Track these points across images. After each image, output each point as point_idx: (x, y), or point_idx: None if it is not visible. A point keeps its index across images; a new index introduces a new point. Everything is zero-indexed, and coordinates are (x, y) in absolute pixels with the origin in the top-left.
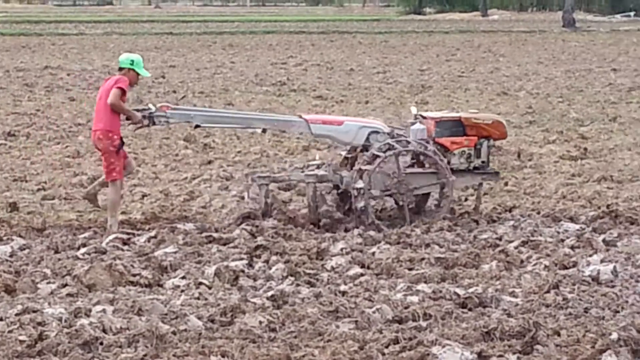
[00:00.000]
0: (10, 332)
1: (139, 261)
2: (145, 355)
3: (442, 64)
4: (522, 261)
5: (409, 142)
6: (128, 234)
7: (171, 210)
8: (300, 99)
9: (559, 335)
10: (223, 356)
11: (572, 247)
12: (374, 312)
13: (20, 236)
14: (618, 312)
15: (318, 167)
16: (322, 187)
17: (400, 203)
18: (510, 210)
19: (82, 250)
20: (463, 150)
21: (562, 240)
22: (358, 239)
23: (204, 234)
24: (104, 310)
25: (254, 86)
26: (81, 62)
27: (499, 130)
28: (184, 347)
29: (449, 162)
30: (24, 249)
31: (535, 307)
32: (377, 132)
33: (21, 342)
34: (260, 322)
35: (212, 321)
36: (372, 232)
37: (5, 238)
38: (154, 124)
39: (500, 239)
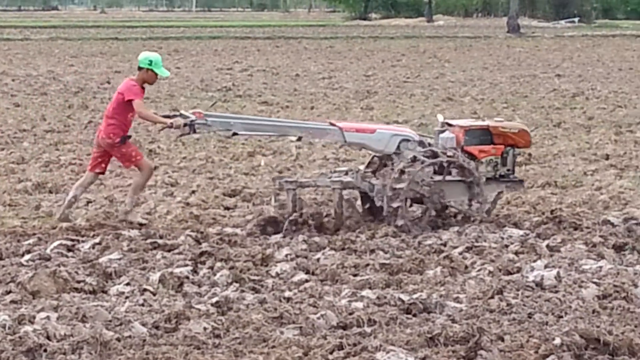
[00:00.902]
0: None
1: (83, 268)
2: None
3: (387, 69)
4: (466, 267)
5: (451, 153)
6: (72, 240)
7: (116, 216)
8: (245, 105)
9: (502, 340)
10: None
11: (516, 253)
12: (318, 318)
13: None
14: (561, 317)
15: (345, 173)
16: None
17: (430, 210)
18: (455, 216)
19: (26, 257)
20: (490, 159)
21: (506, 246)
22: (303, 245)
23: (148, 241)
24: (48, 317)
25: (199, 92)
26: (26, 68)
27: (524, 139)
28: (128, 354)
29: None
30: None
31: (479, 313)
32: (407, 140)
33: None
34: (205, 329)
35: (157, 327)
36: (316, 239)
37: None
38: (194, 131)
39: (444, 244)
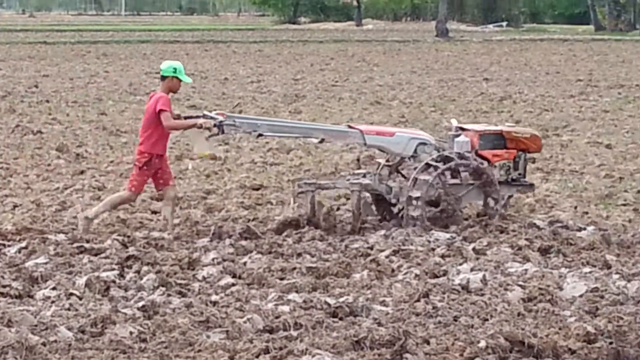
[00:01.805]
0: None
1: (9, 272)
2: None
3: (316, 73)
4: (393, 270)
5: (465, 156)
6: None
7: (42, 220)
8: (174, 108)
9: (428, 343)
10: None
11: (443, 256)
12: (244, 322)
13: None
14: (487, 320)
15: (364, 175)
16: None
17: (446, 213)
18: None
19: None
20: (503, 163)
21: (433, 249)
22: (230, 249)
23: (75, 245)
24: None
25: (127, 95)
26: None
27: (536, 144)
28: (54, 359)
29: None
30: None
31: (405, 316)
32: (424, 144)
33: None
34: (131, 333)
35: (83, 332)
36: (244, 242)
37: None
38: (223, 132)
39: (371, 248)
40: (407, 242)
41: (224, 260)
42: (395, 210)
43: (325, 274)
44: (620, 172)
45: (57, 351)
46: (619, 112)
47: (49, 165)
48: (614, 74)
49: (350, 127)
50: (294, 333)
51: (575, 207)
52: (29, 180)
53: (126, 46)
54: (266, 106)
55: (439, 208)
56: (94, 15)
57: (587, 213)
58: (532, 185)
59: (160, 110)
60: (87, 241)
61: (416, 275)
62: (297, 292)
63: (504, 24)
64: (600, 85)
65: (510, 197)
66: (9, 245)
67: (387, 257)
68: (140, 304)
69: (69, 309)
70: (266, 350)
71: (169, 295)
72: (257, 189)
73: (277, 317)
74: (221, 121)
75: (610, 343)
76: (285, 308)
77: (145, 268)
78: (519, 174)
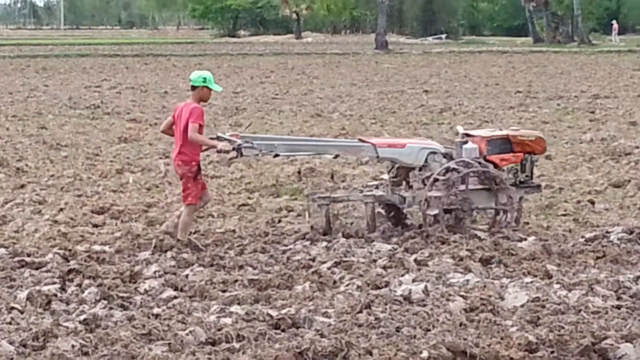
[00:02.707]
0: None
1: None
2: None
3: (256, 86)
4: (335, 282)
5: (480, 163)
6: None
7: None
8: (114, 122)
9: (370, 354)
10: None
11: (385, 267)
12: (187, 335)
13: None
14: (429, 330)
15: (376, 187)
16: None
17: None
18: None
19: None
20: (511, 167)
21: (375, 261)
22: (171, 262)
23: (16, 259)
24: None
25: (67, 109)
26: None
27: (541, 146)
28: None
29: None
30: None
31: (347, 327)
32: (434, 153)
33: None
34: (73, 346)
35: (24, 346)
36: (185, 255)
37: None
38: (242, 155)
39: (313, 260)
40: (349, 254)
41: (166, 273)
42: (403, 217)
43: (268, 286)
44: (560, 183)
45: None
46: (558, 123)
47: None
48: (553, 86)
49: (362, 141)
50: (237, 345)
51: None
52: None
53: (65, 60)
54: (206, 119)
55: (453, 214)
56: (32, 29)
57: (527, 223)
58: (539, 186)
59: (191, 121)
60: (29, 255)
61: (358, 286)
62: (239, 304)
63: (443, 36)
64: (539, 96)
65: (521, 199)
66: None
67: (329, 268)
68: (82, 317)
69: (10, 323)
70: None
71: (110, 308)
72: None
73: (219, 330)
74: (240, 144)
75: (552, 352)
76: (228, 320)
77: (86, 281)
78: (527, 176)
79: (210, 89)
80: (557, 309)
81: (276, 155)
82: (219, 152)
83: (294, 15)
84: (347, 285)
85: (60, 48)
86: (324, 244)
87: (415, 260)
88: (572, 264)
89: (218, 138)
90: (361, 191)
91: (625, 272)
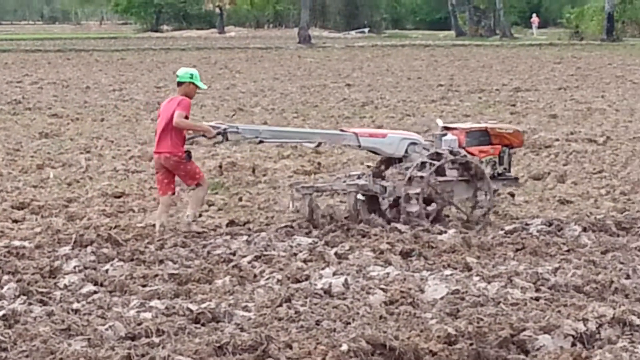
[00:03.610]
0: None
1: None
2: None
3: None
4: (255, 276)
5: (459, 153)
6: None
7: None
8: (35, 117)
9: (290, 348)
10: None
11: (305, 261)
12: (106, 330)
13: None
14: (349, 323)
15: (359, 177)
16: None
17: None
18: (245, 224)
19: None
20: (490, 159)
21: (295, 254)
22: (91, 257)
23: None
24: None
25: None
26: None
27: (518, 139)
28: None
29: None
30: None
31: (267, 321)
32: (415, 144)
33: None
34: None
35: None
36: (105, 250)
37: None
38: (227, 139)
39: (233, 254)
40: (269, 248)
41: (86, 268)
42: (384, 207)
43: (188, 280)
44: None
45: None
46: (479, 116)
47: None
48: (475, 79)
49: (344, 130)
50: (156, 340)
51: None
52: None
53: None
54: (128, 114)
55: (431, 204)
56: None
57: (448, 216)
58: (516, 179)
59: (176, 109)
60: None
61: (278, 280)
62: (159, 298)
63: (366, 30)
64: (461, 89)
65: (496, 191)
66: None
67: (249, 262)
68: (1, 313)
69: None
70: (128, 358)
71: (30, 304)
72: (119, 197)
73: (139, 324)
74: (225, 129)
75: (471, 344)
76: (148, 315)
77: (5, 277)
78: (504, 169)
79: (197, 86)
80: (477, 301)
81: (260, 142)
82: (205, 135)
83: (217, 10)
84: (268, 279)
85: None
86: (245, 237)
87: (335, 253)
88: (491, 256)
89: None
90: (344, 181)
91: (544, 263)
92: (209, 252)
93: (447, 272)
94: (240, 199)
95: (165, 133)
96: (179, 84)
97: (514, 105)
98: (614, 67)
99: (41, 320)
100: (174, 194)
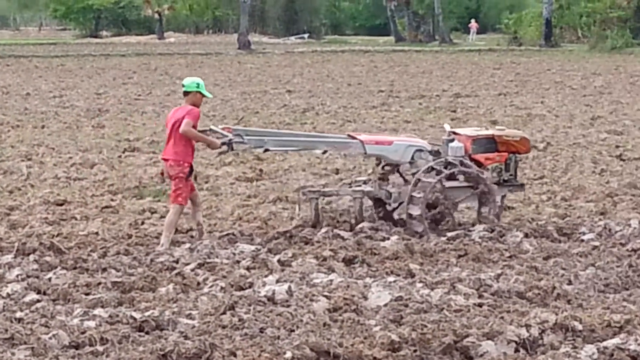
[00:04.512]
0: None
1: None
2: None
3: (118, 87)
4: (198, 283)
5: (462, 162)
6: None
7: None
8: None
9: (235, 356)
10: None
11: (248, 268)
12: (50, 338)
13: None
14: (293, 331)
15: (364, 182)
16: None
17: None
18: (187, 232)
19: None
20: (496, 166)
21: (238, 262)
22: (34, 265)
23: None
24: None
25: None
26: None
27: (525, 146)
28: None
29: None
30: None
31: (211, 329)
32: (421, 150)
33: None
34: None
35: None
36: (48, 258)
37: None
38: (232, 149)
39: (177, 261)
40: (213, 255)
41: (29, 276)
42: (390, 210)
43: (131, 288)
44: None
45: None
46: (420, 122)
47: None
48: (415, 85)
49: (351, 137)
50: (100, 348)
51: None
52: None
53: None
54: (69, 121)
55: (436, 210)
56: None
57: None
58: (522, 185)
59: (185, 117)
60: None
61: (222, 287)
62: (102, 307)
63: (306, 35)
64: (401, 95)
65: (504, 197)
66: None
67: (192, 270)
68: None
69: None
70: None
71: None
72: (61, 205)
73: (82, 333)
74: (230, 139)
75: (415, 351)
76: (91, 323)
77: None
78: (510, 175)
79: (203, 95)
80: (420, 307)
81: (266, 150)
82: (210, 147)
83: (156, 16)
84: (211, 286)
85: None
86: (188, 245)
87: (278, 260)
88: (434, 262)
89: (211, 130)
90: (350, 186)
91: (486, 270)
92: (152, 260)
93: (390, 278)
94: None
95: (174, 142)
96: (186, 93)
97: (454, 111)
98: (553, 72)
99: None
100: (193, 190)
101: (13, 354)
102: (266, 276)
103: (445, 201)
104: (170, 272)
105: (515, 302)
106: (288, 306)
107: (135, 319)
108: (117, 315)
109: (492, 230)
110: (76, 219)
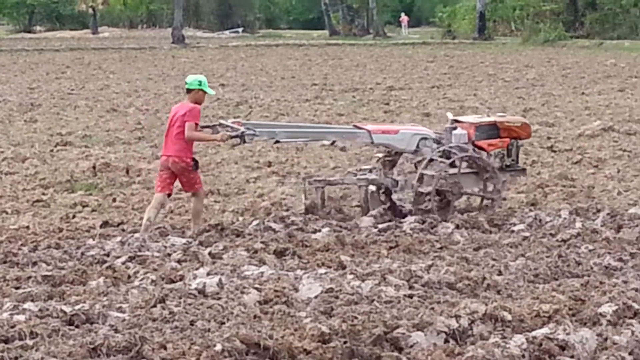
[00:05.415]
0: None
1: None
2: None
3: (52, 81)
4: (129, 276)
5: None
6: None
7: None
8: None
9: (165, 349)
10: None
11: (179, 261)
12: None
13: None
14: (223, 323)
15: (370, 171)
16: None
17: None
18: (119, 225)
19: None
20: (498, 151)
21: (169, 255)
22: None
23: None
24: None
25: None
26: None
27: (526, 131)
28: None
29: None
30: None
31: (142, 322)
32: (426, 139)
33: None
34: None
35: None
36: None
37: None
38: (244, 142)
39: (107, 255)
40: (143, 248)
41: None
42: (395, 199)
43: (61, 282)
44: None
45: None
46: (353, 115)
47: None
48: (348, 78)
49: (357, 127)
50: (30, 342)
51: None
52: None
53: None
54: (1, 115)
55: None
56: None
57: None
58: (524, 170)
59: (187, 121)
60: None
61: (153, 280)
62: (32, 301)
63: (240, 29)
64: (335, 89)
65: (504, 181)
66: None
67: (123, 263)
68: None
69: None
70: None
71: None
72: None
73: (12, 327)
74: (242, 132)
75: (345, 342)
76: (21, 317)
77: None
78: (512, 160)
79: (205, 92)
80: (351, 299)
81: (277, 142)
82: (222, 141)
83: (90, 10)
84: (142, 279)
85: None
86: (119, 238)
87: (209, 253)
88: (365, 254)
89: (220, 125)
90: (355, 175)
91: (417, 261)
92: (82, 254)
93: (321, 270)
94: (114, 200)
95: (174, 138)
96: (188, 90)
97: (387, 104)
98: (486, 65)
99: None
100: (170, 195)
101: None
102: (197, 269)
103: (451, 187)
104: (100, 266)
105: (445, 293)
106: (219, 299)
107: (65, 312)
108: (47, 309)
109: (424, 222)
110: (7, 212)
